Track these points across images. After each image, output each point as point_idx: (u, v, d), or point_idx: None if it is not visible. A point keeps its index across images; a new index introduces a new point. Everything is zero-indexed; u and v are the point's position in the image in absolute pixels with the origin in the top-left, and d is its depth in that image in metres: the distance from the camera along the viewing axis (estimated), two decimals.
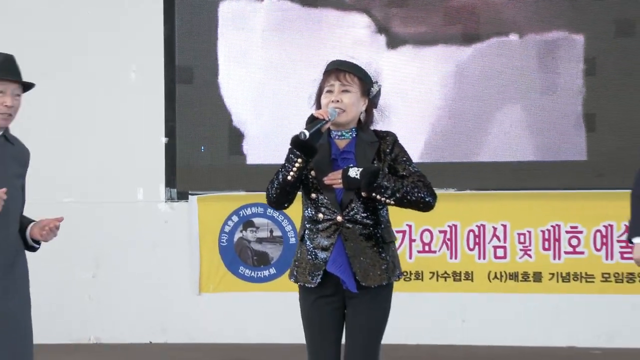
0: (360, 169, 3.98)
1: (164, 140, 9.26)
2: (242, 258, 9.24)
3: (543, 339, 8.74)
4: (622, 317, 8.72)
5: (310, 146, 3.99)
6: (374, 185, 3.97)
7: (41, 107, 8.43)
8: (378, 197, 4.01)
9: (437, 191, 8.41)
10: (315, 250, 4.12)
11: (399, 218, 8.55)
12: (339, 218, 4.09)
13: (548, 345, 8.69)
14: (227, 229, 9.25)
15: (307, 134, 3.93)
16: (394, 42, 9.07)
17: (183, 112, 9.25)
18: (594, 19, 8.85)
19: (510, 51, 9.01)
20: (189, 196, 9.28)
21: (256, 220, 9.22)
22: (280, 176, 4.10)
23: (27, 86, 4.53)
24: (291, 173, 4.06)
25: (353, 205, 4.08)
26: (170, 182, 9.32)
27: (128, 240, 9.13)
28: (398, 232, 8.79)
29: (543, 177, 8.94)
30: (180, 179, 9.33)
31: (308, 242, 4.16)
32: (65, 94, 9.05)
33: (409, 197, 4.07)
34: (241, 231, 9.25)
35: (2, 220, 4.31)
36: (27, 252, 4.59)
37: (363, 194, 4.01)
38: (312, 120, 4.02)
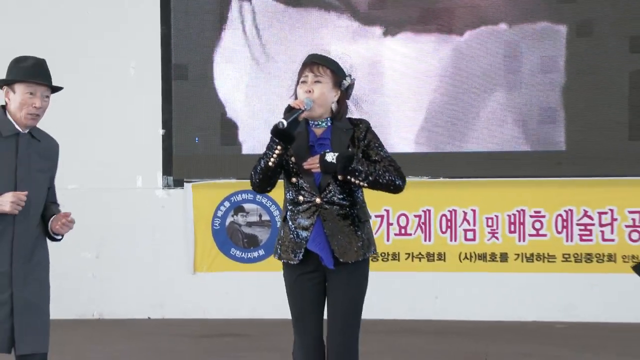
0: (337, 154, 3.96)
1: (161, 131, 9.24)
2: (233, 240, 9.24)
3: (509, 314, 8.78)
4: (581, 293, 8.76)
5: (288, 134, 3.99)
6: (349, 169, 3.97)
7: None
8: (352, 179, 4.00)
9: (413, 179, 8.44)
10: (297, 230, 4.12)
11: (377, 203, 8.59)
12: (318, 200, 4.08)
13: (514, 319, 8.73)
14: (219, 213, 9.24)
15: (285, 123, 3.93)
16: (370, 36, 9.07)
17: (179, 106, 9.24)
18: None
19: (480, 48, 9.00)
20: (184, 183, 9.28)
21: (246, 206, 9.21)
22: (262, 162, 4.09)
23: (55, 89, 4.55)
24: (272, 159, 4.06)
25: (330, 188, 4.07)
26: (167, 170, 9.31)
27: (128, 224, 9.13)
28: (377, 216, 8.84)
29: (509, 166, 8.96)
30: (176, 168, 9.31)
31: (290, 223, 4.15)
32: (70, 90, 8.89)
33: (380, 180, 4.06)
34: (232, 216, 9.24)
35: (24, 213, 4.30)
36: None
37: (339, 177, 4.00)
38: (289, 110, 4.01)
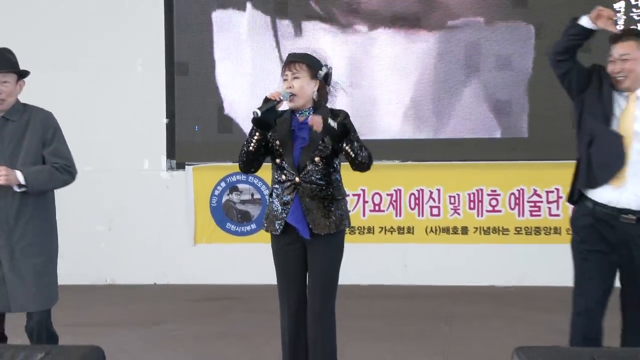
0: (338, 122, 3.96)
1: (165, 120, 9.25)
2: (228, 216, 9.25)
3: (469, 279, 8.82)
4: (531, 262, 8.81)
5: (265, 122, 4.03)
6: (345, 136, 3.99)
7: (69, 94, 8.43)
8: (345, 147, 4.01)
9: (385, 162, 8.49)
10: (280, 205, 4.15)
11: (354, 183, 8.62)
12: (297, 179, 4.12)
13: (473, 284, 8.76)
14: (216, 192, 9.26)
15: (259, 112, 3.99)
16: (349, 37, 9.07)
17: (180, 98, 9.23)
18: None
19: (450, 45, 9.00)
20: (186, 166, 9.28)
21: (240, 186, 9.22)
22: (245, 147, 4.16)
23: (22, 74, 4.49)
24: (252, 144, 4.13)
25: (308, 169, 4.10)
26: (170, 154, 9.32)
27: (136, 201, 9.14)
28: (354, 195, 8.84)
29: (469, 151, 8.99)
30: (179, 152, 9.32)
31: (275, 199, 4.19)
32: (87, 84, 9.02)
33: (362, 155, 4.08)
34: (228, 194, 9.25)
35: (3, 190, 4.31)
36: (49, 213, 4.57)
37: (334, 145, 4.02)
38: (266, 101, 4.05)
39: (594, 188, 4.20)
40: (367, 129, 8.39)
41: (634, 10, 8.74)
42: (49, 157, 4.43)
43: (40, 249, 4.47)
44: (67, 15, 9.29)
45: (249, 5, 9.22)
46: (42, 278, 4.45)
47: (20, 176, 4.24)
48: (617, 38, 4.16)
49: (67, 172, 4.47)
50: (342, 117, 4.14)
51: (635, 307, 4.23)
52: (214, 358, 5.80)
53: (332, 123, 3.95)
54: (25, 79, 4.54)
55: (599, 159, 4.18)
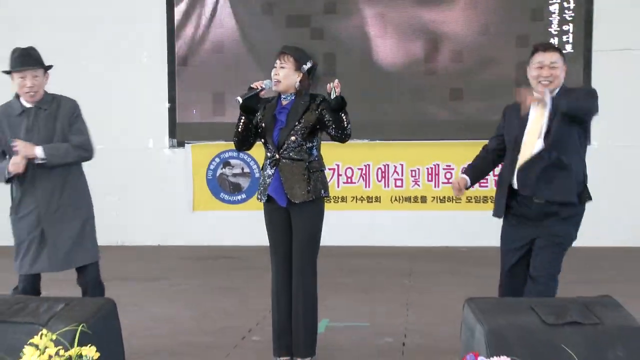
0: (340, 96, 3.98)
1: (167, 105, 9.21)
2: (222, 187, 9.25)
3: (427, 241, 8.86)
4: (479, 225, 8.81)
5: (249, 108, 4.06)
6: (345, 105, 4.02)
7: (86, 83, 8.35)
8: (342, 115, 4.05)
9: (357, 141, 8.50)
10: (266, 178, 4.17)
11: (330, 159, 8.46)
12: (277, 155, 4.11)
13: (430, 245, 8.81)
14: (212, 167, 9.25)
15: (240, 100, 4.02)
16: (327, 35, 9.07)
17: (180, 86, 9.21)
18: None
19: (412, 44, 9.02)
20: (185, 144, 9.26)
21: (232, 161, 9.22)
22: (235, 129, 4.18)
23: (47, 68, 4.47)
24: (239, 127, 4.16)
25: (285, 146, 4.10)
26: (172, 134, 9.28)
27: (143, 175, 9.13)
28: (330, 169, 8.85)
29: (428, 131, 9.02)
30: (179, 132, 9.28)
31: (263, 172, 4.21)
32: (101, 74, 8.97)
33: (349, 127, 4.12)
34: (221, 168, 9.25)
35: (41, 168, 4.34)
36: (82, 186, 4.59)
37: (335, 112, 4.03)
38: (249, 89, 4.08)
39: None
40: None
41: (566, 12, 8.76)
42: (70, 135, 4.45)
43: (81, 213, 4.54)
44: (84, 15, 9.22)
45: (239, 9, 9.20)
46: (88, 236, 4.56)
47: (39, 151, 4.25)
48: (546, 48, 4.16)
49: (81, 149, 4.47)
50: (319, 99, 4.15)
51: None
52: (211, 308, 5.82)
53: (341, 96, 3.99)
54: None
55: None
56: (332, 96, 3.96)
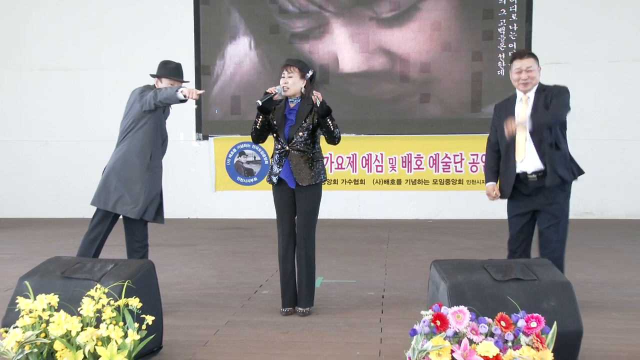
0: (327, 105, 4.00)
1: (195, 106, 9.19)
2: (238, 172, 9.26)
3: (401, 215, 8.89)
4: (444, 202, 8.91)
5: (265, 108, 4.03)
6: (330, 115, 4.02)
7: (131, 88, 8.30)
8: (329, 121, 4.03)
9: (346, 135, 8.34)
10: (276, 165, 4.15)
11: (324, 150, 8.50)
12: (287, 147, 4.10)
13: (404, 218, 8.84)
14: (230, 155, 9.25)
15: (260, 102, 3.99)
16: (321, 50, 9.03)
17: (205, 91, 9.15)
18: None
19: (379, 45, 8.99)
20: (209, 137, 9.26)
21: (246, 151, 9.22)
22: (253, 126, 4.14)
23: (183, 81, 4.48)
24: (258, 125, 4.12)
25: (294, 140, 4.08)
26: (198, 129, 9.29)
27: (176, 162, 9.02)
28: (324, 157, 8.82)
29: (402, 128, 9.01)
30: (204, 128, 9.28)
31: (274, 160, 4.19)
32: (143, 80, 8.90)
33: (337, 131, 4.09)
34: (238, 157, 9.25)
35: (122, 143, 4.32)
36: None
37: (321, 117, 4.01)
38: (265, 94, 4.04)
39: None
40: (336, 113, 8.42)
41: (511, 32, 8.77)
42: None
43: (131, 176, 4.35)
44: (131, 34, 9.16)
45: (251, 29, 9.16)
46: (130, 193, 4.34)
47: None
48: (522, 54, 4.13)
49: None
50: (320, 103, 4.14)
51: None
52: (229, 268, 5.83)
53: (325, 104, 4.00)
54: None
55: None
56: (317, 104, 3.98)
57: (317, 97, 3.99)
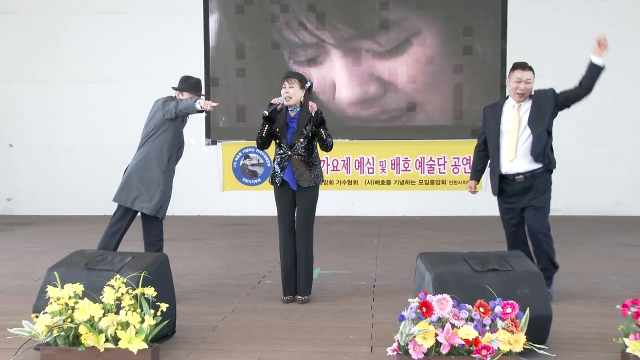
0: (321, 115, 4.00)
1: (204, 114, 9.13)
2: (243, 173, 9.25)
3: (390, 212, 8.88)
4: (429, 201, 8.90)
5: (270, 118, 4.00)
6: (324, 124, 4.01)
7: (148, 99, 8.31)
8: (322, 130, 4.01)
9: (341, 140, 8.40)
10: (278, 168, 4.13)
11: (322, 153, 8.53)
12: (289, 152, 4.09)
13: (392, 215, 8.83)
14: (236, 159, 9.23)
15: (267, 113, 3.97)
16: (318, 62, 9.03)
17: (214, 100, 9.10)
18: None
19: (371, 62, 8.99)
20: (217, 142, 9.24)
21: (251, 155, 9.20)
22: (259, 134, 4.12)
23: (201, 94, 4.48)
24: (263, 132, 4.10)
25: (296, 145, 4.07)
26: (208, 135, 9.26)
27: (187, 164, 8.94)
28: (321, 160, 8.84)
29: (392, 133, 9.02)
30: (213, 134, 9.26)
31: (276, 164, 4.18)
32: (159, 92, 8.89)
33: (329, 140, 4.09)
34: (243, 160, 9.24)
35: (143, 146, 4.31)
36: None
37: (315, 127, 4.00)
38: (270, 105, 4.03)
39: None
40: (331, 119, 8.44)
41: (487, 49, 8.78)
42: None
43: (150, 179, 4.38)
44: (138, 42, 9.14)
45: (255, 46, 9.16)
46: (151, 193, 4.33)
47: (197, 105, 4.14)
48: (524, 66, 4.06)
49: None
50: (317, 112, 4.12)
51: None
52: (235, 260, 5.83)
53: (319, 113, 4.00)
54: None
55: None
56: (313, 114, 3.98)
57: (312, 107, 3.98)
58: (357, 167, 9.06)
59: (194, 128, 9.13)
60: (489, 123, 4.15)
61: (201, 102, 4.10)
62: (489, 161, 4.24)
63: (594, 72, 3.96)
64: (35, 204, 9.42)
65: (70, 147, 9.46)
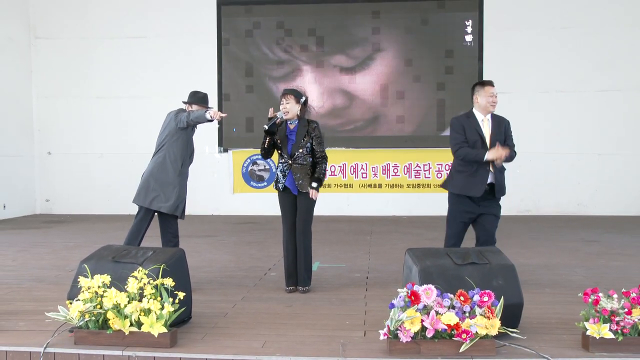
0: (316, 185, 3.98)
1: (217, 125, 9.16)
2: (252, 178, 9.24)
3: (382, 212, 8.83)
4: (416, 202, 8.89)
5: (270, 131, 3.96)
6: (320, 182, 4.01)
7: (166, 111, 8.31)
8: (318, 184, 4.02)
9: (337, 149, 8.40)
10: (281, 176, 4.08)
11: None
12: (290, 161, 4.04)
13: (384, 215, 8.80)
14: (245, 164, 9.23)
15: (267, 127, 3.93)
16: (305, 80, 9.02)
17: (226, 113, 9.12)
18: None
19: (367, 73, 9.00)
20: (228, 150, 9.23)
21: (258, 162, 9.20)
22: (262, 146, 4.06)
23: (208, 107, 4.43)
24: (266, 144, 4.04)
25: (296, 155, 4.02)
26: (220, 143, 9.26)
27: (202, 169, 9.03)
28: None
29: (383, 143, 9.00)
30: (225, 142, 9.25)
31: (279, 171, 4.13)
32: (176, 105, 8.90)
33: (322, 175, 4.05)
34: (251, 166, 9.23)
35: (159, 153, 4.29)
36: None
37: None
38: (269, 119, 3.99)
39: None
40: (330, 130, 8.47)
41: (466, 68, 8.82)
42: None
43: (171, 182, 4.35)
44: (160, 62, 9.14)
45: (261, 65, 9.16)
46: (168, 193, 4.31)
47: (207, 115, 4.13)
48: (492, 84, 4.01)
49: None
50: (313, 125, 4.06)
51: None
52: (243, 254, 5.82)
53: (315, 184, 3.97)
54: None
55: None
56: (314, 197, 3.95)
57: (315, 194, 3.97)
58: (352, 172, 9.05)
59: (208, 137, 9.15)
60: (471, 132, 3.99)
61: (211, 112, 4.12)
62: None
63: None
64: (69, 204, 9.47)
65: (100, 154, 9.47)
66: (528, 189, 8.84)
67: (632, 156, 8.77)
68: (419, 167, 8.91)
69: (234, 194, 9.25)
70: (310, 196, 4.00)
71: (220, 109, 9.15)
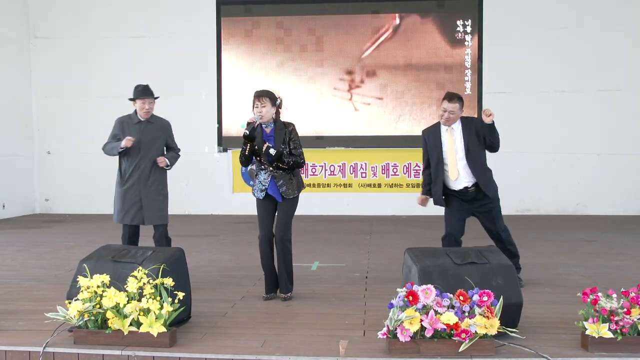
0: (274, 152, 3.75)
1: (217, 125, 9.17)
2: (250, 177, 9.17)
3: (381, 211, 8.84)
4: (415, 202, 8.86)
5: (250, 137, 3.79)
6: (277, 161, 3.79)
7: (168, 111, 8.35)
8: (280, 164, 3.81)
9: (333, 148, 8.39)
10: (261, 183, 3.94)
11: (320, 159, 8.58)
12: (270, 168, 3.88)
13: (383, 214, 8.81)
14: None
15: (247, 132, 3.78)
16: (290, 81, 9.02)
17: (225, 114, 9.19)
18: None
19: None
20: (228, 150, 9.22)
21: None
22: (241, 153, 3.90)
23: (154, 97, 4.51)
24: (247, 151, 3.86)
25: (276, 162, 3.82)
26: (219, 143, 9.23)
27: (202, 169, 9.10)
28: (319, 165, 8.90)
29: (382, 142, 8.98)
30: (224, 143, 9.23)
31: (258, 179, 3.98)
32: (176, 104, 8.88)
33: (292, 164, 3.85)
34: (251, 166, 9.09)
35: (143, 157, 4.35)
36: (164, 176, 4.51)
37: (273, 164, 3.83)
38: (248, 124, 3.85)
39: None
40: (329, 131, 8.43)
41: (467, 69, 8.82)
42: (172, 144, 4.54)
43: (161, 192, 4.46)
44: (162, 66, 9.14)
45: (256, 69, 9.17)
46: (163, 207, 4.45)
47: (165, 161, 4.38)
48: (451, 99, 4.04)
49: (178, 155, 4.57)
50: (290, 127, 3.92)
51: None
52: (243, 254, 5.82)
53: (272, 151, 3.78)
54: (154, 103, 4.59)
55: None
56: (264, 153, 3.77)
57: (265, 147, 3.77)
58: (351, 172, 9.05)
59: (207, 137, 9.17)
60: (434, 143, 4.14)
61: (122, 143, 4.29)
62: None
63: (487, 130, 4.00)
64: (69, 203, 9.48)
65: (100, 154, 9.44)
66: (528, 189, 8.86)
67: (632, 156, 8.78)
68: (419, 166, 8.87)
69: (234, 194, 9.25)
70: (264, 147, 3.75)
71: (220, 108, 9.18)
